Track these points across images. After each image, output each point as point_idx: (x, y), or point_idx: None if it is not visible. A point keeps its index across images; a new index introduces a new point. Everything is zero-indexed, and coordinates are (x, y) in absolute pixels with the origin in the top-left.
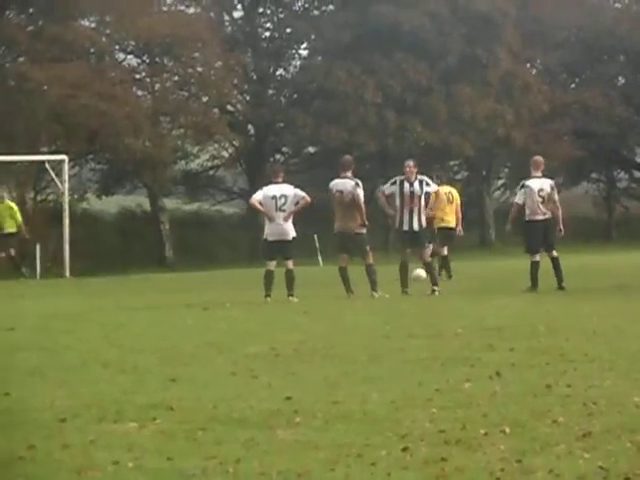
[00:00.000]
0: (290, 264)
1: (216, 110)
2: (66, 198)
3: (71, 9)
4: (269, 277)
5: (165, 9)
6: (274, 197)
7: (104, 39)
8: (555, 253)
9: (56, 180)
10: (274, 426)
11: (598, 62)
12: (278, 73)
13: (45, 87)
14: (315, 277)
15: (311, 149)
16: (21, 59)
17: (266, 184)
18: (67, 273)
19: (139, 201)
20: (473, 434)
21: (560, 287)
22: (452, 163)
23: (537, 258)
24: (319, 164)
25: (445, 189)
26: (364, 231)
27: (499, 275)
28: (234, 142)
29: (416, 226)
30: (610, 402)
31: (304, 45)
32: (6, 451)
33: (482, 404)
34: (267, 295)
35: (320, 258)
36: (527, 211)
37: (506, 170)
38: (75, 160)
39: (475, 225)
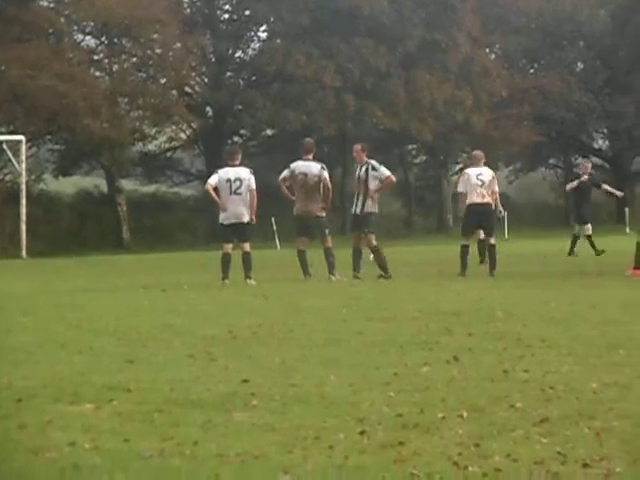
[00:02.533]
0: (246, 246)
1: (174, 92)
2: (23, 179)
3: None
4: (226, 260)
5: None
6: (229, 180)
7: (63, 20)
8: (492, 240)
9: (13, 160)
10: (231, 409)
11: (557, 48)
12: (237, 55)
13: (3, 67)
14: (272, 260)
15: (269, 132)
16: None
17: (222, 166)
18: (24, 254)
19: (96, 182)
20: (431, 418)
21: (491, 274)
22: (410, 147)
23: (466, 242)
24: (277, 147)
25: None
26: (324, 214)
27: (456, 260)
28: (192, 124)
29: (358, 210)
30: (568, 388)
31: (263, 27)
32: None
33: (440, 388)
34: (224, 278)
35: (277, 241)
36: (467, 197)
37: (464, 155)
38: (33, 141)
39: (433, 209)
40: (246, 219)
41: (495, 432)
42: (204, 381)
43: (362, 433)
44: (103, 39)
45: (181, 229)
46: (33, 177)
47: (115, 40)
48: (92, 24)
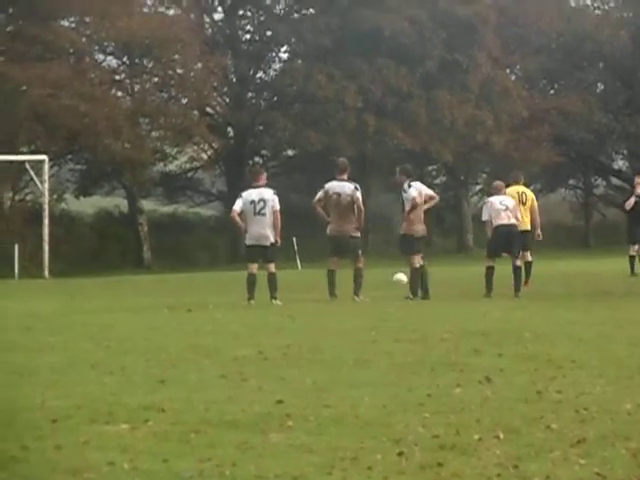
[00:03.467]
0: (271, 267)
1: (195, 112)
2: (46, 198)
3: (51, 9)
4: (251, 280)
5: (146, 10)
6: (252, 202)
7: (84, 40)
8: (518, 262)
9: (35, 180)
10: (267, 430)
11: (578, 68)
12: (258, 76)
13: (25, 87)
14: (295, 280)
15: (290, 152)
16: (1, 59)
17: (245, 188)
18: (46, 274)
19: (117, 202)
20: (467, 439)
21: (516, 295)
22: (430, 168)
23: (492, 263)
24: (298, 167)
25: (518, 189)
26: (359, 235)
27: (478, 280)
28: (213, 144)
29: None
30: (602, 409)
31: (284, 48)
32: None
33: (474, 409)
34: (250, 298)
35: (299, 261)
36: (492, 221)
37: (484, 175)
38: (54, 160)
39: (453, 230)
40: (270, 240)
41: (533, 453)
42: (238, 402)
43: (400, 454)
44: (125, 59)
45: (202, 249)
46: (55, 197)
47: (136, 60)
48: (113, 44)
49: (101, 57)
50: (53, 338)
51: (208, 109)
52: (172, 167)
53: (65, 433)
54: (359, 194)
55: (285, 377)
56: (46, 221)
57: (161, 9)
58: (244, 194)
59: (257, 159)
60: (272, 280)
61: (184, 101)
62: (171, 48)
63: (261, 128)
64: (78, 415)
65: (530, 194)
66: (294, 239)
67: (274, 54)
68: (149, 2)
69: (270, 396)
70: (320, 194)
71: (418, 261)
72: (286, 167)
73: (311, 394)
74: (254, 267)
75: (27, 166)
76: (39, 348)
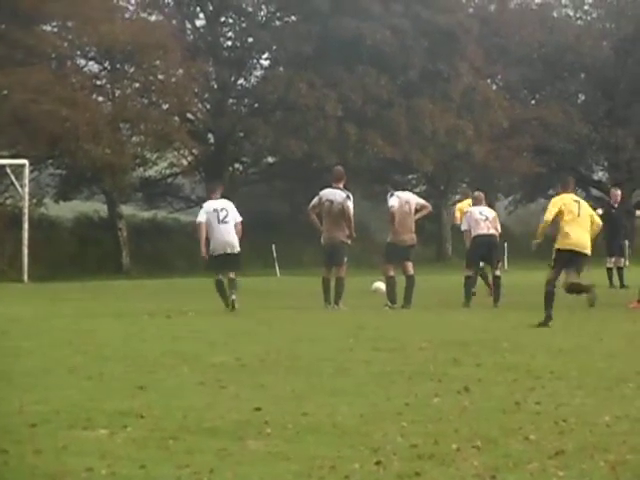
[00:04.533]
0: (232, 275)
1: (176, 118)
2: (26, 203)
3: (33, 13)
4: (220, 286)
5: (127, 16)
6: (215, 210)
7: (66, 44)
8: (498, 272)
9: (16, 184)
10: (245, 437)
11: (559, 79)
12: (239, 83)
13: (6, 91)
14: (273, 288)
15: (270, 159)
16: None
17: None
18: (25, 278)
19: (97, 207)
20: (445, 449)
21: (495, 305)
22: (411, 177)
23: (471, 273)
24: (278, 175)
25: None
26: (348, 242)
27: (457, 290)
28: (193, 150)
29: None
30: (580, 420)
31: (265, 55)
32: None
33: (452, 419)
34: (227, 304)
35: (277, 269)
36: (472, 231)
37: (464, 185)
38: (34, 165)
39: (432, 239)
40: (237, 249)
41: (511, 464)
42: (216, 408)
43: (378, 463)
44: (106, 64)
45: (180, 255)
46: (34, 201)
47: (118, 65)
48: (95, 49)
49: (83, 62)
50: (31, 342)
51: (189, 115)
52: (152, 172)
53: (44, 438)
54: (350, 203)
55: (263, 384)
56: (26, 225)
57: (143, 15)
58: (205, 205)
59: (237, 166)
60: (233, 284)
61: (165, 107)
62: (152, 54)
63: (242, 135)
64: (57, 420)
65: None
66: (273, 246)
67: (255, 61)
68: (131, 8)
69: (248, 403)
70: (315, 201)
71: (393, 270)
72: (266, 174)
73: (289, 402)
74: (221, 275)
75: (7, 170)
76: (16, 352)
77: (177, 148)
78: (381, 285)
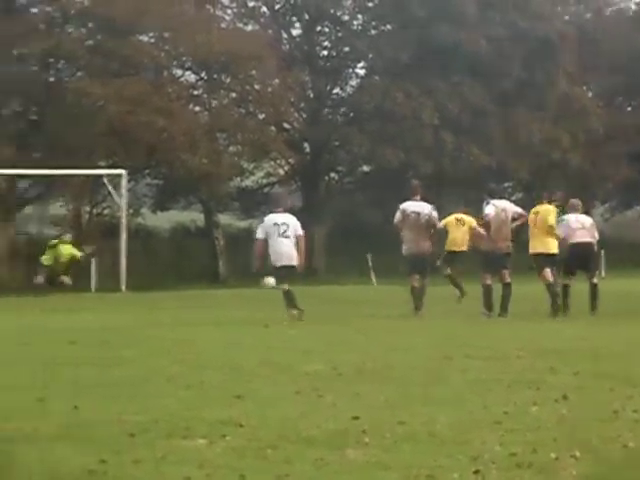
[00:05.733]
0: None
1: (273, 127)
2: (124, 213)
3: (130, 24)
4: (289, 296)
5: (224, 26)
6: (276, 224)
7: (162, 55)
8: (595, 280)
9: (114, 194)
10: (343, 446)
11: None
12: (335, 92)
13: (103, 102)
14: (369, 297)
15: (366, 168)
16: (79, 74)
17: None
18: (123, 287)
19: (193, 217)
20: (544, 458)
21: (592, 313)
22: (506, 185)
23: (568, 281)
24: (373, 184)
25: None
26: (431, 252)
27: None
28: (290, 160)
29: None
30: None
31: (361, 64)
32: (77, 465)
33: (551, 428)
34: (292, 313)
35: (374, 277)
36: (568, 239)
37: (558, 193)
38: (131, 175)
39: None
40: (295, 262)
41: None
42: (314, 418)
43: (476, 472)
44: (202, 74)
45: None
46: (132, 211)
47: (214, 75)
48: (192, 59)
49: (179, 72)
50: (130, 352)
51: (285, 125)
52: (249, 182)
53: (143, 447)
54: (436, 214)
55: (359, 393)
56: (124, 235)
57: (239, 25)
58: (265, 219)
59: (332, 175)
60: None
61: (261, 116)
62: (249, 64)
63: (337, 144)
64: (155, 429)
65: None
66: (369, 255)
67: (351, 70)
68: (227, 18)
69: (345, 412)
70: (399, 215)
71: (491, 278)
72: (361, 183)
73: (385, 410)
74: (286, 285)
75: (105, 180)
76: (116, 362)
77: (273, 158)
78: (270, 280)
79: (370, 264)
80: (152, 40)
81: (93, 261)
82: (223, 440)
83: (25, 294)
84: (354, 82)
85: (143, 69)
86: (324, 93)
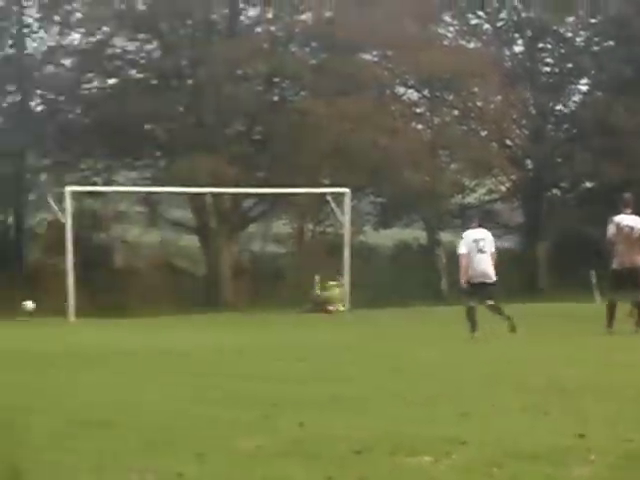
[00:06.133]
0: (491, 301)
1: (495, 144)
2: (347, 231)
3: (353, 43)
4: (472, 313)
5: (446, 44)
6: (475, 240)
7: (386, 73)
8: None
9: (336, 212)
10: (569, 463)
11: None
12: (557, 108)
13: (326, 121)
14: (591, 313)
15: (588, 184)
16: (303, 93)
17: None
18: (347, 305)
19: (415, 234)
20: None
21: None
22: None
23: None
24: (595, 200)
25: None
26: None
27: None
28: (512, 176)
29: None
30: None
31: (584, 80)
32: None
33: None
34: (472, 330)
35: (597, 295)
36: None
37: None
38: (354, 193)
39: None
40: (493, 279)
41: None
42: (538, 434)
43: None
44: (425, 92)
45: (498, 281)
46: (354, 229)
47: (437, 93)
48: (415, 77)
49: (402, 90)
50: (356, 368)
51: (507, 141)
52: (470, 199)
53: (368, 465)
54: None
55: (584, 409)
56: (347, 253)
57: (462, 42)
58: (464, 234)
59: (555, 191)
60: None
61: (483, 134)
62: (471, 81)
63: (559, 160)
64: (380, 446)
65: None
66: (592, 272)
67: (573, 86)
68: (450, 35)
69: (570, 429)
70: (612, 228)
71: None
72: (582, 199)
73: (611, 428)
74: (474, 301)
75: (328, 198)
76: (343, 378)
77: (495, 174)
78: None
79: (594, 281)
80: (375, 59)
81: (316, 278)
82: (448, 458)
83: (249, 311)
84: (576, 98)
85: (366, 88)
86: (546, 109)
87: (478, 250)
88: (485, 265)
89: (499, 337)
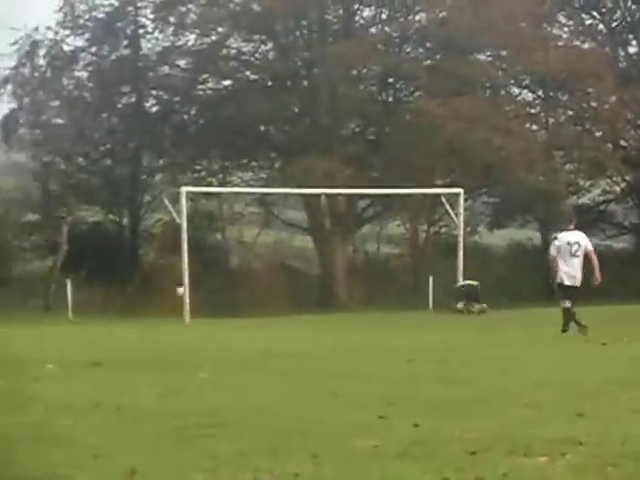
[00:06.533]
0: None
1: (609, 145)
2: (460, 231)
3: (468, 43)
4: (567, 314)
5: (561, 44)
6: (569, 243)
7: (500, 73)
8: None
9: (451, 213)
10: None
11: None
12: None
13: (441, 121)
14: None
15: None
16: (418, 93)
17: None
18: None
19: (530, 235)
20: None
21: None
22: None
23: None
24: None
25: None
26: None
27: None
28: (626, 177)
29: None
30: None
31: None
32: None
33: None
34: (563, 330)
35: None
36: None
37: None
38: (468, 194)
39: None
40: (579, 283)
41: None
42: None
43: None
44: (539, 92)
45: (614, 282)
46: (468, 229)
47: (551, 93)
48: (529, 77)
49: (516, 91)
50: (469, 370)
51: (622, 142)
52: (585, 200)
53: (484, 465)
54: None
55: None
56: (460, 253)
57: (576, 42)
58: (559, 236)
59: None
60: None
61: (598, 134)
62: (586, 81)
63: None
64: (496, 447)
65: None
66: None
67: None
68: (565, 36)
69: None
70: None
71: None
72: None
73: None
74: (568, 302)
75: (442, 199)
76: (454, 380)
77: (610, 175)
78: None
79: None
80: (489, 59)
81: (430, 279)
82: (564, 458)
83: (363, 311)
84: None
85: (481, 88)
86: None
87: (571, 254)
88: (574, 269)
89: (619, 340)
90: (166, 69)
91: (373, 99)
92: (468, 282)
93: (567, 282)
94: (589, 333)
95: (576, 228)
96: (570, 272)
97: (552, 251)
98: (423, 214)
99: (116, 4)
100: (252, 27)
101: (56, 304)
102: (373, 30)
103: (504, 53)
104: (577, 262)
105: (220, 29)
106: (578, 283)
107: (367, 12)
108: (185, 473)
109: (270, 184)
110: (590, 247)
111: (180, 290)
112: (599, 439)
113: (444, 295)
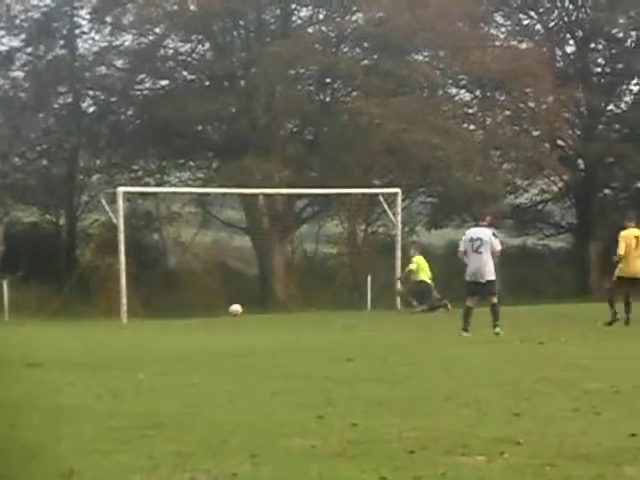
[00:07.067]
0: (494, 299)
1: (547, 144)
2: (399, 231)
3: (405, 44)
4: (467, 313)
5: (498, 44)
6: (472, 239)
7: (437, 73)
8: None
9: (388, 212)
10: (621, 463)
11: None
12: (609, 108)
13: (378, 121)
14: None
15: None
16: (355, 93)
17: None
18: (399, 305)
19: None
20: None
21: None
22: None
23: None
24: None
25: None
26: None
27: None
28: (564, 176)
29: None
30: None
31: (635, 81)
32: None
33: None
34: (464, 329)
35: None
36: None
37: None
38: (406, 193)
39: None
40: (485, 279)
41: None
42: (592, 435)
43: None
44: (477, 92)
45: (550, 281)
46: (406, 229)
47: (488, 93)
48: (466, 77)
49: (454, 91)
50: (407, 369)
51: (559, 142)
52: (522, 199)
53: (422, 464)
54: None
55: (638, 410)
56: (398, 253)
57: (513, 42)
58: (467, 231)
59: (607, 191)
60: (495, 310)
61: (535, 134)
62: (523, 81)
63: (612, 160)
64: (435, 446)
65: None
66: None
67: (625, 86)
68: (501, 36)
69: (623, 429)
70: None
71: None
72: (635, 199)
73: None
74: (472, 300)
75: (380, 198)
76: (393, 379)
77: (547, 175)
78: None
79: None
80: (427, 59)
81: (369, 279)
82: (501, 457)
83: (307, 310)
84: (628, 98)
85: (418, 88)
86: (598, 110)
87: (473, 250)
88: (478, 265)
89: (556, 340)
90: (103, 69)
91: (311, 99)
92: (423, 279)
93: (468, 278)
94: (517, 333)
95: (492, 226)
96: (471, 268)
97: (460, 247)
98: (361, 214)
99: (52, 4)
100: (189, 27)
101: None
102: (310, 30)
103: (441, 53)
104: (479, 258)
105: (157, 29)
106: (482, 279)
107: (304, 12)
108: (123, 474)
109: (208, 184)
110: (497, 247)
111: (235, 308)
112: (537, 439)
113: (382, 294)
